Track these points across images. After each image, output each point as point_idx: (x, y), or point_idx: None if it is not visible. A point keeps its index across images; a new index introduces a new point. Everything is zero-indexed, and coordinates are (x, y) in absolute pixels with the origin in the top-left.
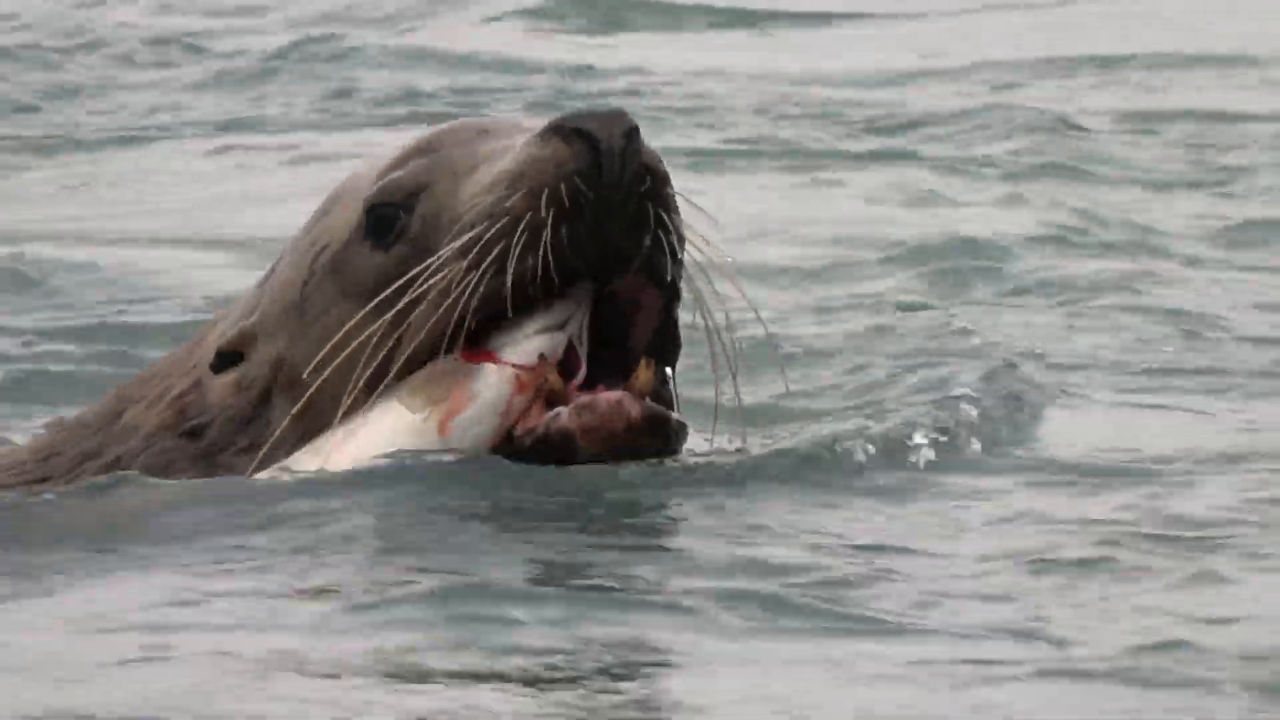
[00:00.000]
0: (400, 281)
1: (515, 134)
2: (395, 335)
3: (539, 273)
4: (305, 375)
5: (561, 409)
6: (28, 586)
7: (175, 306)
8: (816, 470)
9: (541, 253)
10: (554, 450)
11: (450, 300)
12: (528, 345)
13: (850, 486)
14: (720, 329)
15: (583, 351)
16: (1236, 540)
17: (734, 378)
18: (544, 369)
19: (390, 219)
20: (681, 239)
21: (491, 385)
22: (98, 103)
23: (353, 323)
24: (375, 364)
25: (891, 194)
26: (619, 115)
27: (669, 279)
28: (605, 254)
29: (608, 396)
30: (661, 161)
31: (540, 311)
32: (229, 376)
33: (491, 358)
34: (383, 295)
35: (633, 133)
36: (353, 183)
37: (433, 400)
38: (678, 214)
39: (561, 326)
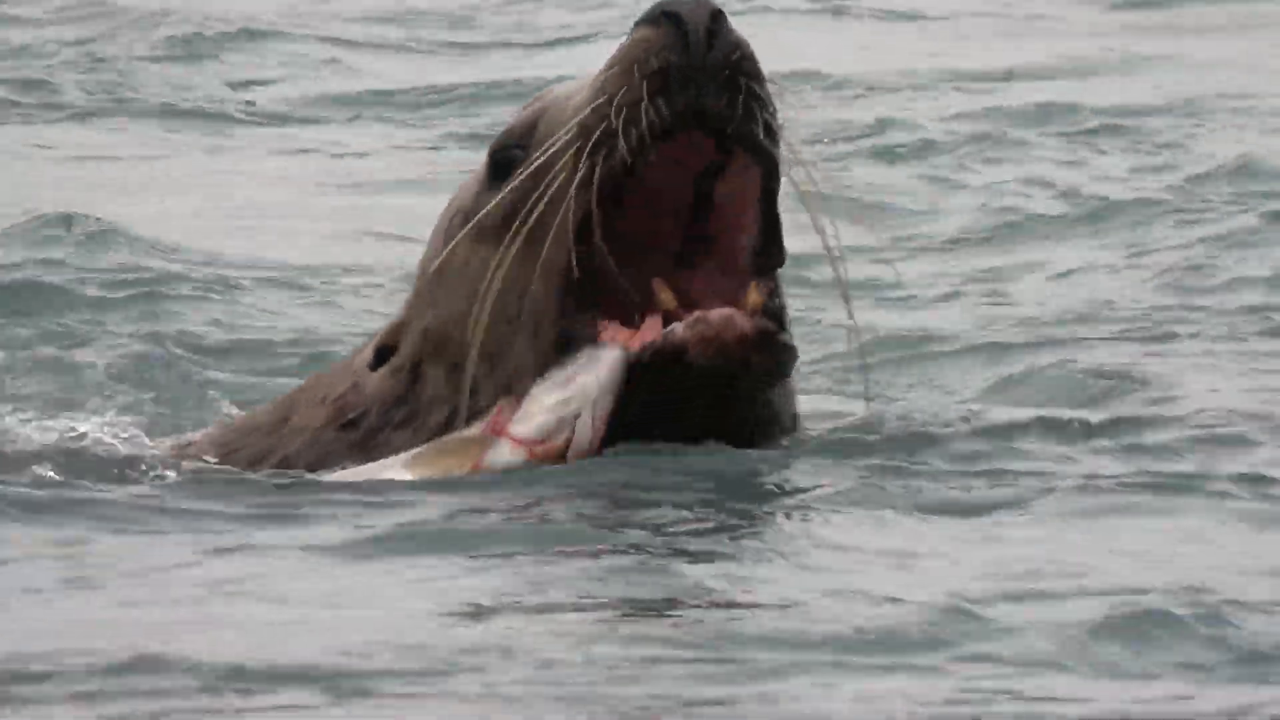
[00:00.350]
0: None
1: None
2: (528, 256)
3: (647, 138)
4: (452, 330)
5: (676, 324)
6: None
7: None
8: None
9: (645, 118)
10: (669, 362)
11: (572, 190)
12: (541, 421)
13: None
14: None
15: (598, 426)
16: None
17: (849, 315)
18: (658, 288)
19: (510, 160)
20: (774, 111)
21: (504, 457)
22: None
23: (495, 261)
24: (513, 291)
25: None
26: (705, 1)
27: (765, 149)
28: (703, 124)
29: (720, 311)
30: (748, 44)
31: (558, 387)
32: (383, 369)
33: (504, 431)
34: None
35: (718, 14)
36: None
37: (447, 471)
38: (768, 103)
39: (577, 410)
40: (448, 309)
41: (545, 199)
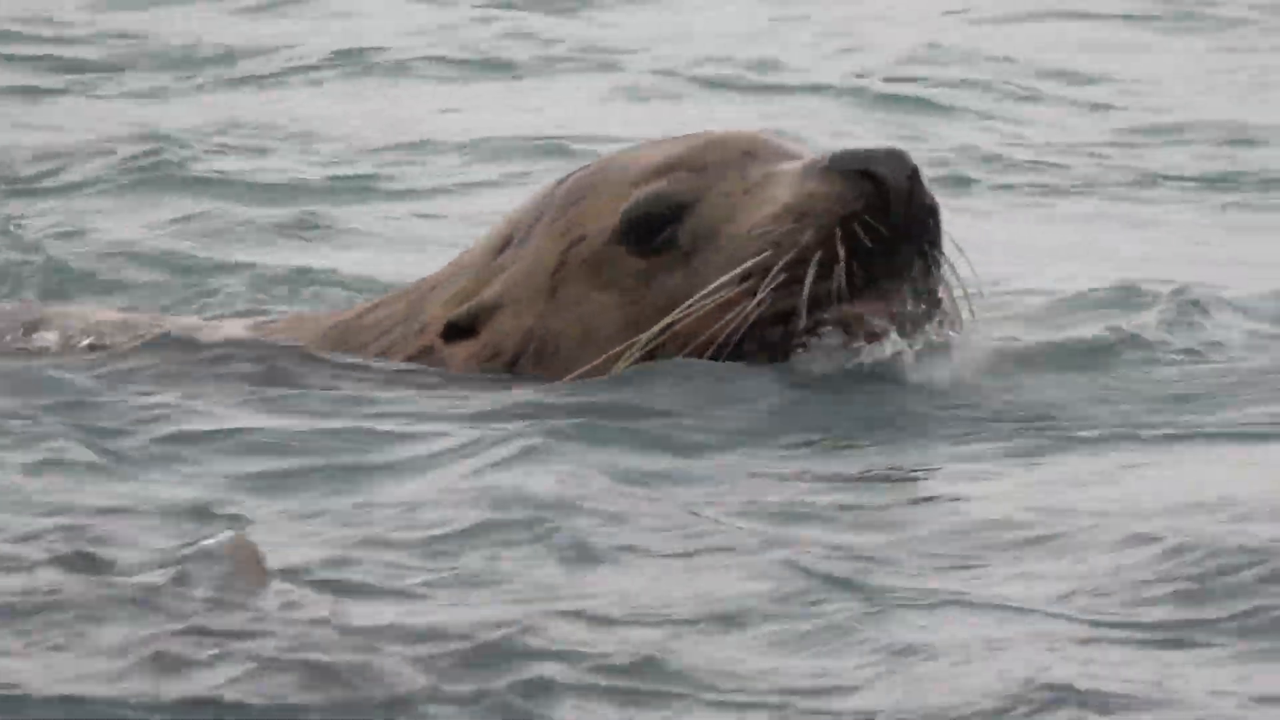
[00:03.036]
0: (665, 293)
1: (780, 159)
2: (657, 337)
3: (834, 300)
4: (562, 346)
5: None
6: None
7: None
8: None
9: (835, 284)
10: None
11: (731, 315)
12: None
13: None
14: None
15: None
16: None
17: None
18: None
19: (654, 228)
20: (944, 274)
21: None
22: None
23: (610, 320)
24: (633, 360)
25: None
26: (903, 156)
27: (931, 300)
28: (889, 276)
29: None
30: (937, 203)
31: None
32: (468, 348)
33: None
34: (646, 300)
35: (915, 174)
36: (605, 175)
37: None
38: (945, 256)
39: None
40: (560, 327)
41: (701, 309)
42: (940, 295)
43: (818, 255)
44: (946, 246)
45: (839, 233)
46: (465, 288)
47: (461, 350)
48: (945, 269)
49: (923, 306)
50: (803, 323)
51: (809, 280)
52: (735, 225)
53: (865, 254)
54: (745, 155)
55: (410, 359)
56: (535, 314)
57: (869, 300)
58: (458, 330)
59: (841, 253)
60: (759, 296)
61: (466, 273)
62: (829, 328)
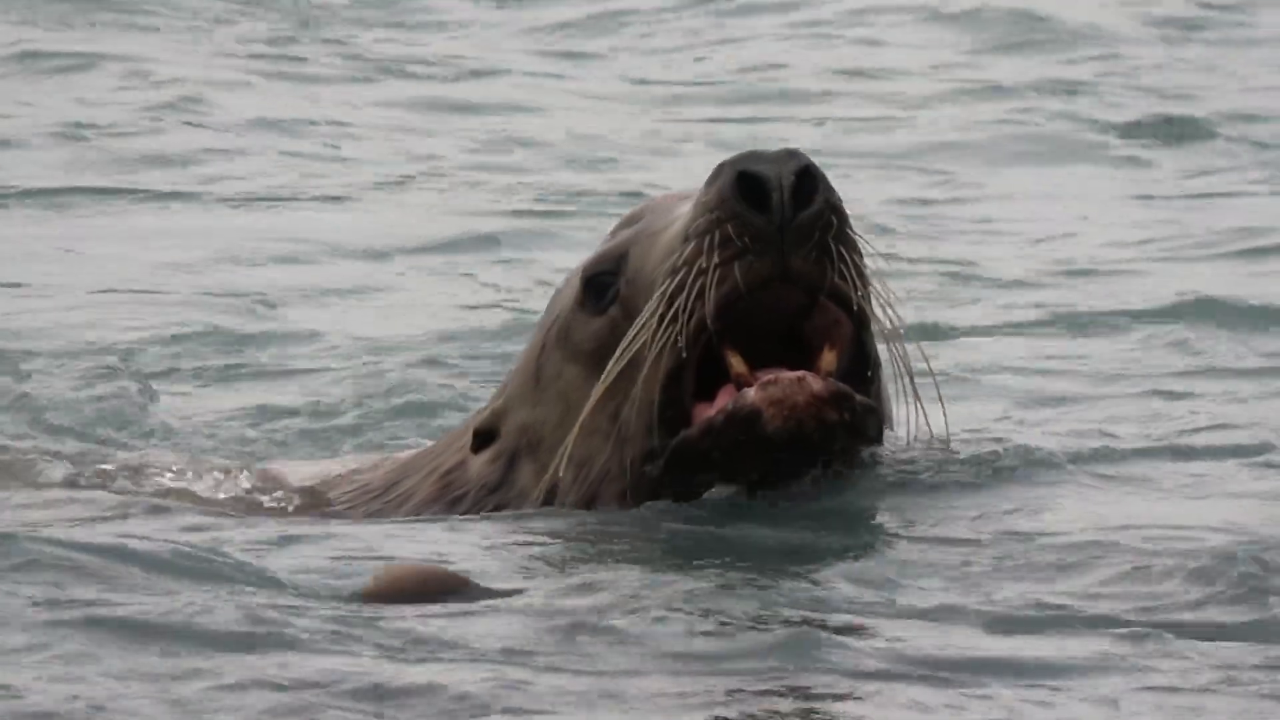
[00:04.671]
0: (617, 345)
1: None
2: (617, 397)
3: (716, 311)
4: (544, 433)
5: (748, 388)
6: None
7: None
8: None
9: (712, 294)
10: (742, 428)
11: (653, 358)
12: None
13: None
14: (905, 361)
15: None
16: None
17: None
18: (730, 356)
19: (603, 286)
20: (863, 271)
21: None
22: None
23: (578, 385)
24: (604, 410)
25: None
26: (790, 155)
27: (856, 307)
28: (792, 282)
29: (791, 373)
30: (838, 199)
31: None
32: (486, 454)
33: None
34: (604, 359)
35: (804, 172)
36: (580, 263)
37: None
38: (858, 250)
39: None
40: (543, 412)
41: (633, 347)
42: (864, 303)
43: (698, 263)
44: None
45: (708, 238)
46: (495, 398)
47: (481, 459)
48: (865, 273)
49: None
50: (683, 344)
51: (688, 298)
52: (652, 262)
53: (756, 255)
54: (678, 198)
55: (449, 473)
56: (529, 405)
57: (773, 375)
58: (484, 439)
59: (710, 260)
60: (678, 324)
61: (502, 384)
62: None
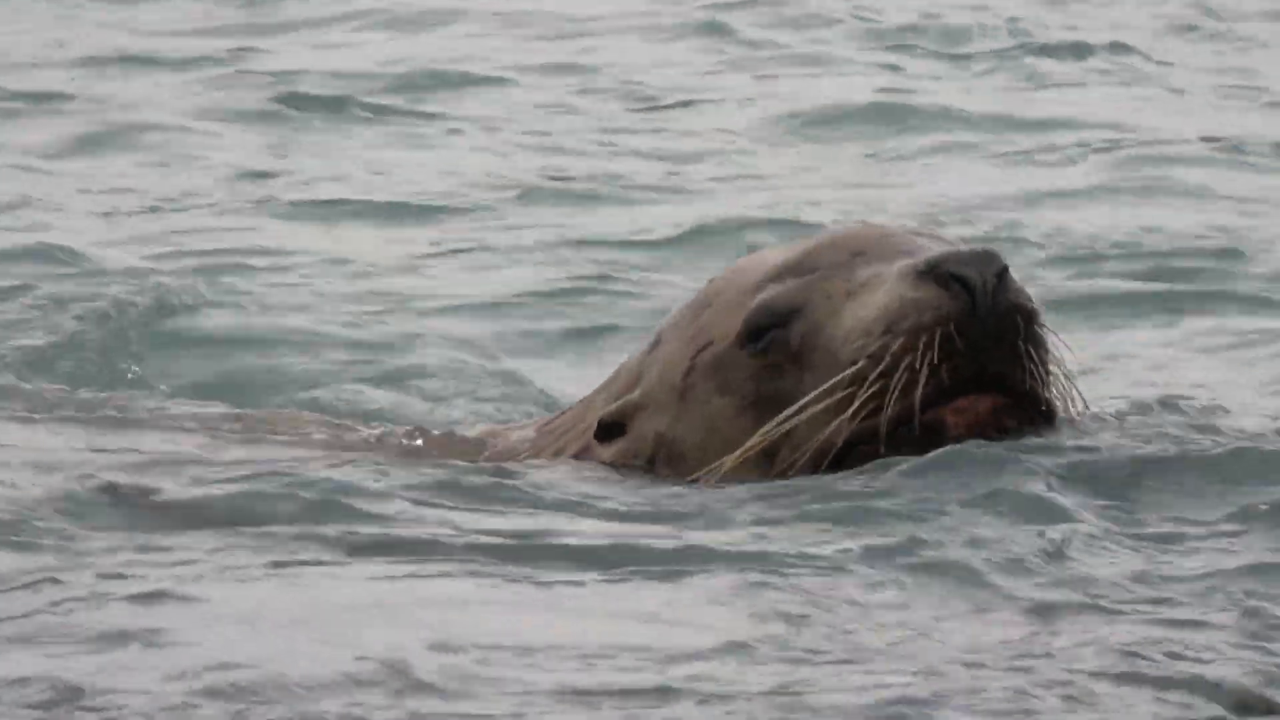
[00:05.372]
0: (779, 396)
1: (892, 257)
2: (773, 442)
3: (916, 411)
4: (687, 452)
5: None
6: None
7: None
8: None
9: (919, 395)
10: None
11: (829, 428)
12: None
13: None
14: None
15: None
16: None
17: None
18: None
19: (766, 330)
20: (1049, 372)
21: None
22: None
23: (729, 418)
24: (751, 462)
25: None
26: (991, 256)
27: (1044, 407)
28: (983, 380)
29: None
30: (1030, 299)
31: None
32: (615, 447)
33: None
34: (760, 403)
35: (1004, 274)
36: (734, 279)
37: None
38: (1047, 349)
39: None
40: (684, 429)
41: (803, 417)
42: (1043, 395)
43: (906, 361)
44: (1050, 344)
45: (923, 340)
46: (619, 388)
47: (609, 449)
48: (1051, 368)
49: (1024, 407)
50: (883, 431)
51: (894, 391)
52: (836, 330)
53: (959, 357)
54: (855, 256)
55: (575, 458)
56: (669, 416)
57: (962, 399)
58: (607, 428)
59: (924, 361)
60: (854, 407)
61: (624, 372)
62: (913, 433)
